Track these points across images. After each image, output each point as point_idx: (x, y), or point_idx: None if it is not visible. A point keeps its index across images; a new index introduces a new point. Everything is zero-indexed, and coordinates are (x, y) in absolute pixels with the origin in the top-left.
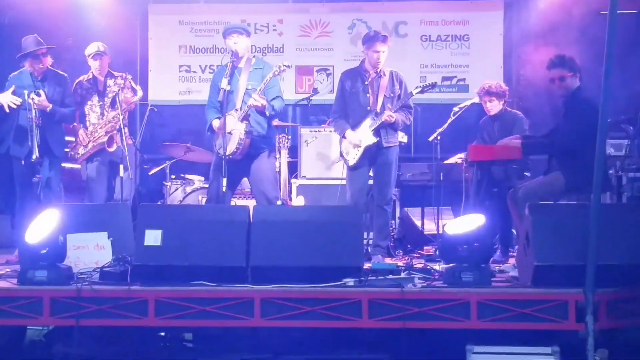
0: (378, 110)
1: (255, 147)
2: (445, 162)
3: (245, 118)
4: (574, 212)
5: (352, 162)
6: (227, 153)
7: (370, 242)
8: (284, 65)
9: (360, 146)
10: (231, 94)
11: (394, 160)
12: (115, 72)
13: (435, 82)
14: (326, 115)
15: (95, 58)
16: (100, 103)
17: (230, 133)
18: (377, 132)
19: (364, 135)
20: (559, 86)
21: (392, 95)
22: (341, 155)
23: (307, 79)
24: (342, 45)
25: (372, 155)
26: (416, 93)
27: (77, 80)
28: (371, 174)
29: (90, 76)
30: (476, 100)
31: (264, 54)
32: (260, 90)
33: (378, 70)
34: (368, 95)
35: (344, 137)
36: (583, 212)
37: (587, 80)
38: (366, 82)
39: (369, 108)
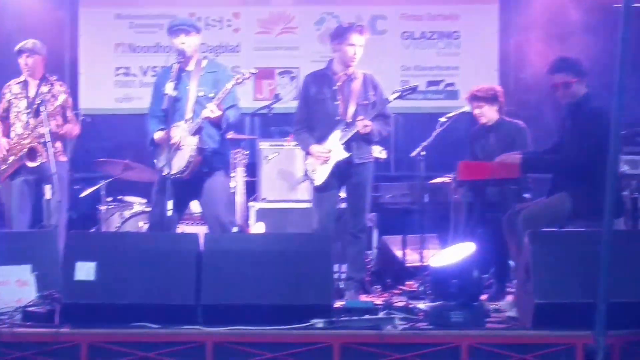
0: (349, 120)
1: (208, 165)
2: (431, 181)
3: (197, 132)
4: (582, 240)
5: (319, 181)
6: (174, 171)
7: (343, 276)
8: (249, 72)
9: (328, 163)
10: (178, 102)
11: (368, 179)
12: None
13: (416, 86)
14: (290, 126)
15: (22, 55)
16: (28, 110)
17: (179, 148)
18: (348, 145)
19: (333, 149)
20: (562, 94)
21: (365, 102)
22: (306, 173)
23: (268, 84)
24: (308, 44)
25: (343, 174)
26: (394, 99)
27: (7, 84)
28: (342, 195)
29: (22, 79)
30: (467, 108)
31: (216, 54)
32: (218, 100)
33: (349, 73)
34: (337, 102)
35: (308, 152)
36: (593, 240)
37: (597, 85)
38: (335, 87)
39: (338, 118)
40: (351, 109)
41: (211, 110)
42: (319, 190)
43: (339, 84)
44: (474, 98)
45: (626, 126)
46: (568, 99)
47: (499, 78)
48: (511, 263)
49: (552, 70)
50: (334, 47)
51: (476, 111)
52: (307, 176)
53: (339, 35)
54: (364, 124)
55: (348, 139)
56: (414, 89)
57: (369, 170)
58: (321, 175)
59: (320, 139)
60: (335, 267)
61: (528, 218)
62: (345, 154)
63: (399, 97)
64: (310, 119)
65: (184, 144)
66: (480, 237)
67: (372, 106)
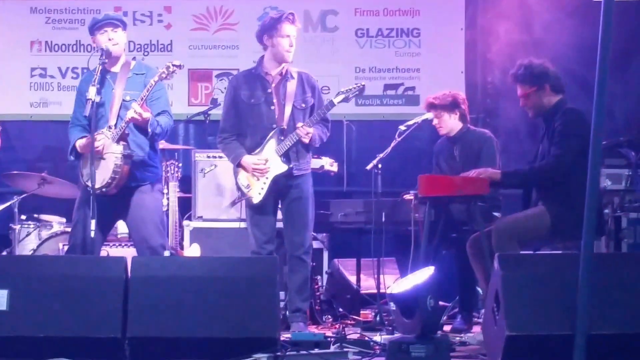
0: (285, 127)
1: (135, 178)
2: (389, 198)
3: (122, 138)
4: (559, 264)
5: (257, 198)
6: (98, 186)
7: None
8: (173, 66)
9: (267, 177)
10: (102, 107)
11: (309, 191)
12: None
13: (363, 85)
14: None
15: None
16: None
17: (102, 158)
18: (287, 156)
19: (270, 161)
20: (526, 107)
21: (303, 105)
22: (239, 189)
23: (204, 87)
24: (250, 42)
25: (280, 189)
26: (339, 102)
27: None
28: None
29: None
30: (429, 115)
31: (145, 54)
32: (142, 99)
33: (284, 72)
34: (273, 107)
35: (240, 165)
36: (571, 264)
37: (577, 89)
38: (269, 90)
39: (274, 126)
40: (287, 114)
41: (135, 110)
42: (256, 209)
43: (273, 85)
44: (431, 106)
45: (608, 135)
46: (533, 111)
47: (465, 81)
48: (479, 290)
49: (512, 82)
50: (265, 43)
51: (435, 121)
52: (241, 193)
53: (270, 27)
54: (305, 132)
55: (287, 150)
56: (361, 90)
57: (309, 183)
58: (258, 191)
59: (252, 149)
60: (282, 295)
61: (501, 235)
62: (285, 167)
63: (345, 100)
64: (240, 126)
65: (108, 153)
66: (444, 260)
67: (310, 110)
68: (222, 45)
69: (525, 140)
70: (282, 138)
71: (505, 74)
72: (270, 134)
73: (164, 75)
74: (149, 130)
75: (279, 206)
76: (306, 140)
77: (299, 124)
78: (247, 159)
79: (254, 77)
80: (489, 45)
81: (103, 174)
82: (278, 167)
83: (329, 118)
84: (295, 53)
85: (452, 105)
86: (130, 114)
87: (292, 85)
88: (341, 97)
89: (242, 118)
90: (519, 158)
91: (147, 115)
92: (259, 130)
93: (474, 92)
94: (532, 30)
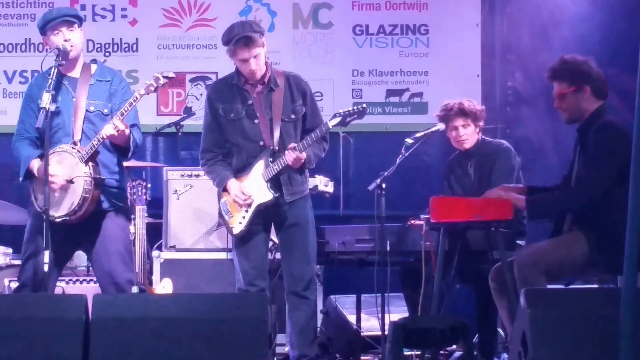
0: (275, 147)
1: (100, 203)
2: (395, 224)
3: (92, 158)
4: (595, 300)
5: (237, 228)
6: (63, 213)
7: (285, 349)
8: (163, 77)
9: (249, 205)
10: (58, 118)
11: (307, 217)
12: None
13: (364, 108)
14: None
15: None
16: None
17: (71, 181)
18: (275, 182)
19: (254, 187)
20: (560, 109)
21: (292, 117)
22: (220, 216)
23: (176, 94)
24: None
25: (271, 216)
26: (334, 125)
27: None
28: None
29: None
30: (441, 127)
31: (106, 55)
32: (122, 114)
33: (266, 79)
34: (256, 121)
35: (224, 190)
36: (609, 300)
37: (614, 96)
38: (249, 101)
39: (262, 143)
40: (276, 131)
41: (115, 127)
42: (240, 240)
43: (254, 96)
44: (461, 112)
45: None
46: (568, 114)
47: (481, 86)
48: (500, 332)
49: (548, 77)
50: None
51: (461, 131)
52: (221, 219)
53: (226, 44)
54: (295, 158)
55: (274, 175)
56: (360, 112)
57: (306, 206)
58: (239, 220)
59: (239, 171)
60: (274, 339)
61: (521, 268)
62: (270, 196)
63: (341, 124)
64: (224, 144)
65: (76, 174)
66: (459, 295)
67: (302, 120)
68: (197, 45)
69: (551, 155)
70: (272, 160)
71: (528, 78)
72: (260, 155)
73: (151, 89)
74: (131, 148)
75: (274, 233)
76: (295, 167)
77: (290, 146)
78: (232, 185)
79: (230, 88)
80: (510, 45)
81: (70, 200)
82: (262, 195)
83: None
84: (282, 53)
85: (480, 117)
86: (109, 130)
87: (278, 96)
88: (337, 119)
89: (223, 134)
90: (544, 176)
91: (128, 132)
92: (244, 148)
93: (492, 99)
94: (560, 26)
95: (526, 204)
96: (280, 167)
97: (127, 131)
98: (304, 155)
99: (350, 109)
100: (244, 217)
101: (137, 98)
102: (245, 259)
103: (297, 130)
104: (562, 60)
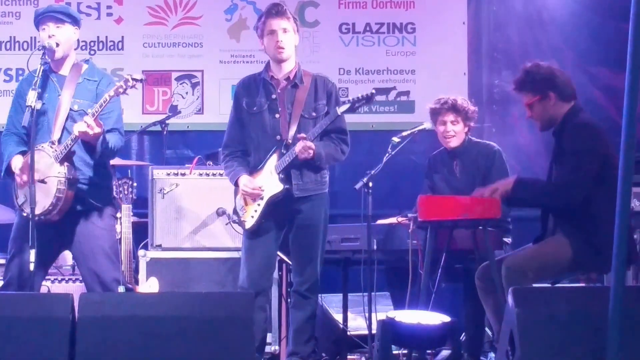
0: (290, 141)
1: (83, 201)
2: (381, 221)
3: (67, 158)
4: (583, 299)
5: (250, 222)
6: (39, 212)
7: (274, 349)
8: (133, 80)
9: (261, 198)
10: (44, 116)
11: (320, 217)
12: None
13: (372, 93)
14: (192, 148)
15: None
16: None
17: (43, 182)
18: (286, 174)
19: (266, 180)
20: (530, 117)
21: (314, 115)
22: (235, 212)
23: (162, 92)
24: (216, 39)
25: (283, 213)
26: (342, 112)
27: None
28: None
29: None
30: (428, 125)
31: (91, 53)
32: (95, 114)
33: (292, 75)
34: (277, 115)
35: (236, 184)
36: (598, 299)
37: (601, 94)
38: (274, 96)
39: (278, 137)
40: (294, 125)
41: (87, 124)
42: (250, 235)
43: (278, 90)
44: (453, 108)
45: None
46: (540, 123)
47: (468, 85)
48: (487, 331)
49: (514, 90)
50: (260, 41)
51: (449, 127)
52: (235, 216)
53: (258, 27)
54: (303, 146)
55: (286, 167)
56: (369, 98)
57: (320, 206)
58: (251, 214)
59: (256, 166)
60: (268, 338)
61: (513, 270)
62: (280, 187)
63: (350, 110)
64: (245, 140)
65: (49, 174)
66: (446, 295)
67: (323, 119)
68: (182, 43)
69: (538, 156)
70: (284, 152)
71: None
72: (274, 148)
73: (120, 90)
74: (98, 148)
75: (286, 233)
76: (304, 156)
77: (299, 135)
78: (243, 180)
79: (257, 82)
80: (496, 43)
81: (43, 201)
82: (273, 186)
83: (346, 129)
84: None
85: (472, 117)
86: (80, 127)
87: (301, 92)
88: (346, 106)
89: (246, 130)
90: (530, 176)
91: (98, 130)
92: (262, 144)
93: (479, 98)
94: (546, 24)
95: (514, 182)
96: (291, 159)
97: (97, 130)
98: (312, 145)
99: (360, 95)
100: (255, 211)
101: (107, 100)
102: (252, 256)
103: (314, 129)
104: (524, 70)
